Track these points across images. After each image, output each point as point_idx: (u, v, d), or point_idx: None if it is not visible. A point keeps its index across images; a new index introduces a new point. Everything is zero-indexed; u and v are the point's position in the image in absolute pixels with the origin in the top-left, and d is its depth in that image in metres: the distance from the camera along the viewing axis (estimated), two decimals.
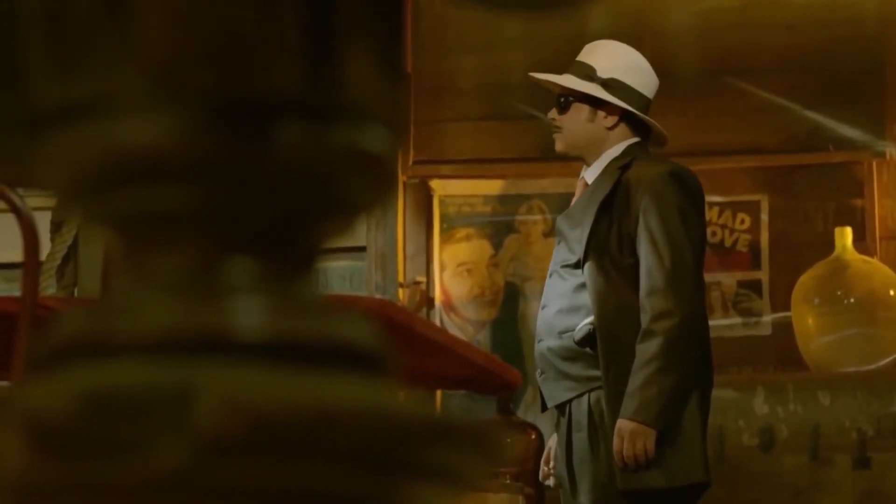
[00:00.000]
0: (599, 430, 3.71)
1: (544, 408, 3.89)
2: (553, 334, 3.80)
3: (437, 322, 5.70)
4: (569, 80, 3.88)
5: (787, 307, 5.54)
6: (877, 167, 5.65)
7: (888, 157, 5.62)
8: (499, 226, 5.94)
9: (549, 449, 3.94)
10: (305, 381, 0.64)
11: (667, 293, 3.64)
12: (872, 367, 5.24)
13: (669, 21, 5.73)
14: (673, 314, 3.63)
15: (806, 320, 5.41)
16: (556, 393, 3.80)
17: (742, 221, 5.77)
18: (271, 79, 0.64)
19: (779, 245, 5.74)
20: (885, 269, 5.42)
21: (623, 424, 3.62)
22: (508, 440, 0.74)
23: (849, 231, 5.42)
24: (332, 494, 0.62)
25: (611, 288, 3.70)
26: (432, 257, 5.90)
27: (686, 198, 3.74)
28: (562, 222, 3.92)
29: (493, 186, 5.94)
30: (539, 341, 3.86)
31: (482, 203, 5.95)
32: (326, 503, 0.63)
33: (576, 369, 3.75)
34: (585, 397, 3.74)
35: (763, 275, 5.75)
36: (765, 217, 5.75)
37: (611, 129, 3.85)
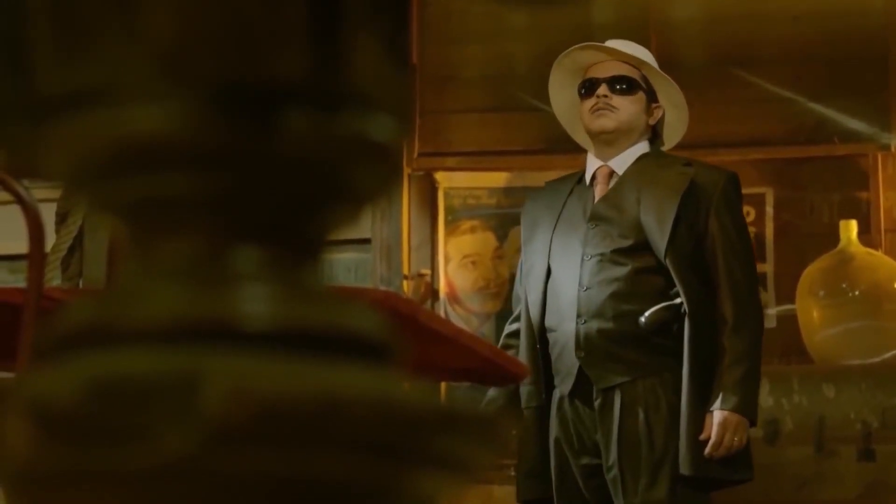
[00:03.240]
0: (653, 416, 3.78)
1: (575, 388, 3.88)
2: (604, 317, 3.82)
3: (442, 314, 5.70)
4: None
5: (791, 299, 5.54)
6: (882, 160, 5.65)
7: (893, 149, 5.62)
8: (504, 218, 5.94)
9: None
10: (311, 369, 0.64)
11: (749, 291, 3.84)
12: (877, 359, 5.23)
13: (675, 12, 5.73)
14: (755, 312, 3.84)
15: (811, 312, 5.41)
16: (606, 375, 3.83)
17: (747, 213, 5.75)
18: (277, 66, 0.64)
19: (784, 237, 5.73)
20: (890, 262, 5.41)
21: (730, 417, 3.73)
22: (513, 432, 0.74)
23: (854, 223, 5.42)
24: (338, 482, 0.63)
25: (693, 282, 3.82)
26: (437, 249, 5.90)
27: (740, 203, 4.00)
28: (602, 207, 3.94)
29: (498, 178, 5.94)
30: (582, 322, 3.86)
31: (487, 195, 5.95)
32: (332, 491, 0.63)
33: (632, 354, 3.80)
34: (639, 382, 3.79)
35: (768, 267, 5.74)
36: (770, 209, 5.75)
37: (651, 126, 3.97)
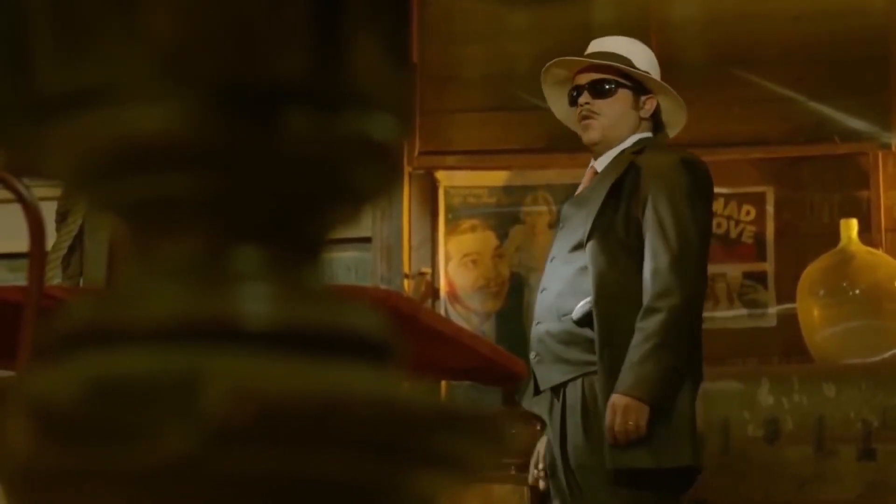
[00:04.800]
0: (592, 415, 3.71)
1: (536, 391, 3.90)
2: (552, 317, 3.82)
3: (442, 313, 5.70)
4: (629, 63, 3.93)
5: (792, 299, 5.54)
6: (882, 159, 5.65)
7: (894, 148, 5.62)
8: (504, 217, 5.94)
9: (538, 452, 3.95)
10: (312, 369, 0.64)
11: (671, 274, 3.66)
12: (877, 358, 5.24)
13: (675, 12, 5.73)
14: (675, 294, 3.65)
15: (811, 312, 5.41)
16: (550, 376, 3.82)
17: (747, 213, 5.77)
18: (278, 66, 0.64)
19: (784, 236, 5.74)
20: (891, 261, 5.42)
21: (617, 399, 3.61)
22: (513, 431, 0.74)
23: (854, 222, 5.42)
24: (339, 481, 0.63)
25: (612, 268, 3.72)
26: (437, 248, 5.90)
27: (695, 185, 3.79)
28: (568, 208, 3.96)
29: (498, 177, 5.94)
30: (537, 324, 3.87)
31: (487, 194, 5.95)
32: (332, 490, 0.63)
33: (573, 353, 3.76)
34: (580, 381, 3.75)
35: (768, 266, 5.75)
36: (770, 208, 5.75)
37: (645, 119, 3.92)
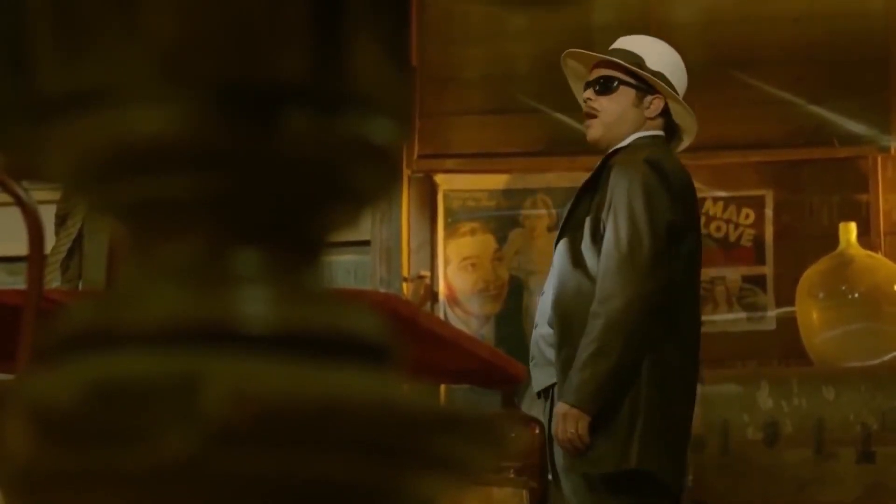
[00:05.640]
0: None
1: (539, 395, 3.93)
2: (544, 320, 3.83)
3: (441, 316, 5.70)
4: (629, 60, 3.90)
5: (791, 302, 5.54)
6: (881, 162, 5.66)
7: (893, 151, 5.63)
8: (503, 220, 5.94)
9: None
10: (311, 371, 0.64)
11: (617, 275, 3.61)
12: (877, 361, 5.24)
13: (675, 13, 5.73)
14: (616, 297, 3.59)
15: (810, 315, 5.42)
16: (541, 379, 3.83)
17: (747, 216, 5.77)
18: (278, 67, 0.64)
19: (783, 240, 5.74)
20: (890, 264, 5.42)
21: (559, 407, 3.63)
22: (512, 434, 0.74)
23: (853, 226, 5.43)
24: (338, 484, 0.62)
25: (574, 268, 3.71)
26: (437, 251, 5.90)
27: (657, 181, 3.71)
28: (565, 211, 3.97)
29: (497, 181, 5.94)
30: (535, 327, 3.88)
31: (487, 197, 5.95)
32: (332, 492, 0.63)
33: (563, 356, 3.77)
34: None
35: (767, 269, 5.75)
36: (769, 212, 5.76)
37: (651, 119, 3.87)
